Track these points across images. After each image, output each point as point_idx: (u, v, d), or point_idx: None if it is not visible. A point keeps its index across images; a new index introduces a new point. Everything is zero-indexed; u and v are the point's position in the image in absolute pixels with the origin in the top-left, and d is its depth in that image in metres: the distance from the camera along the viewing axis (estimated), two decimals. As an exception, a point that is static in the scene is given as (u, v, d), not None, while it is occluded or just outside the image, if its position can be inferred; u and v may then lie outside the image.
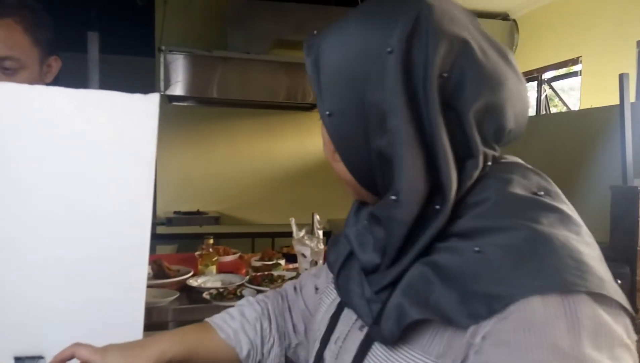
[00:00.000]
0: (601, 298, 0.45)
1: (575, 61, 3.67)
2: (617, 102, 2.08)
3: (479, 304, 0.45)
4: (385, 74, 0.50)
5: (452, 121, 0.51)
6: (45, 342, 0.83)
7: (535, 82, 4.16)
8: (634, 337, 0.48)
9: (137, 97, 0.82)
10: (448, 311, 0.46)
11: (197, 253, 2.01)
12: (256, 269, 1.96)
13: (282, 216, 2.67)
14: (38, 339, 0.83)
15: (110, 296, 0.85)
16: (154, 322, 1.53)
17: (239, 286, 1.71)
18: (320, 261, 1.79)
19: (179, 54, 3.56)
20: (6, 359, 0.82)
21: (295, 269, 1.97)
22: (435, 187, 0.51)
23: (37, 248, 0.82)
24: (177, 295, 1.62)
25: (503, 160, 0.57)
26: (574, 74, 3.80)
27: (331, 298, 0.69)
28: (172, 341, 0.71)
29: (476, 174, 0.52)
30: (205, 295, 1.62)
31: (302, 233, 1.84)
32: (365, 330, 0.57)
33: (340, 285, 0.63)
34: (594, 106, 3.03)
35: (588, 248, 0.48)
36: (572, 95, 4.11)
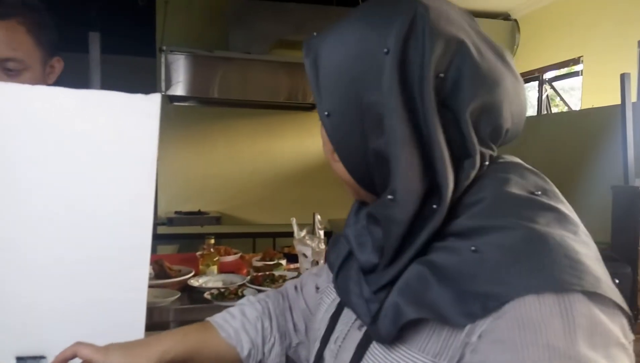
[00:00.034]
0: (597, 298, 0.45)
1: (576, 61, 3.67)
2: (619, 102, 2.08)
3: (475, 303, 0.45)
4: (382, 75, 0.50)
5: (449, 121, 0.51)
6: (46, 342, 0.83)
7: (537, 82, 4.15)
8: (631, 336, 0.48)
9: (139, 97, 0.82)
10: (444, 310, 0.47)
11: (198, 253, 2.01)
12: (257, 269, 1.96)
13: (283, 216, 2.67)
14: (40, 339, 0.83)
15: (112, 296, 0.85)
16: (155, 322, 1.53)
17: (240, 286, 1.71)
18: (322, 261, 1.79)
19: (180, 54, 3.56)
20: (8, 359, 0.82)
21: (296, 269, 1.97)
22: (432, 187, 0.51)
23: (39, 248, 0.83)
24: (179, 295, 1.62)
25: (501, 160, 0.58)
26: (575, 74, 3.80)
27: (331, 297, 0.69)
28: (173, 340, 0.71)
29: (473, 173, 0.52)
30: (207, 295, 1.62)
31: (303, 233, 1.84)
32: (364, 329, 0.57)
33: (339, 284, 0.64)
34: (595, 105, 3.02)
35: (585, 248, 0.48)
36: (573, 95, 4.11)
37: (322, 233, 1.87)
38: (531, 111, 4.44)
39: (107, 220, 0.84)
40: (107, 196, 0.83)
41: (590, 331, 0.43)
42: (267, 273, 1.84)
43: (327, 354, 0.64)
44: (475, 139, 0.51)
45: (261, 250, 2.38)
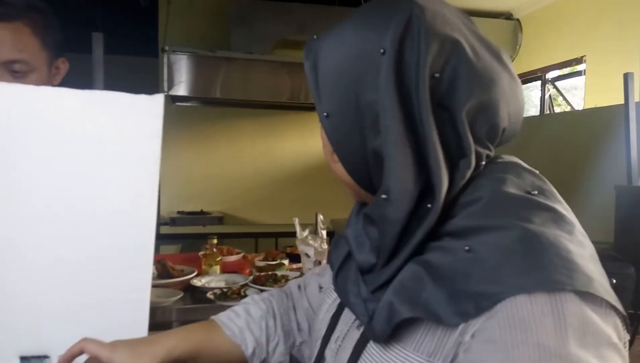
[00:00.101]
0: (589, 297, 0.45)
1: (579, 61, 3.66)
2: (622, 101, 2.08)
3: (468, 303, 0.45)
4: (379, 75, 0.51)
5: (445, 120, 0.51)
6: (50, 341, 0.83)
7: (539, 82, 4.14)
8: (626, 336, 0.48)
9: (142, 97, 0.83)
10: (438, 309, 0.47)
11: (201, 253, 2.01)
12: (260, 269, 1.96)
13: (285, 216, 2.67)
14: (43, 339, 0.83)
15: (115, 296, 0.86)
16: (158, 322, 1.53)
17: (242, 286, 1.71)
18: (324, 261, 1.79)
19: (183, 55, 3.57)
20: (12, 359, 0.82)
21: (298, 269, 1.97)
22: (427, 186, 0.51)
23: (42, 248, 0.83)
24: (181, 294, 1.62)
25: (500, 160, 0.58)
26: (578, 73, 3.79)
27: (332, 297, 0.70)
28: (179, 338, 0.72)
29: (469, 173, 0.52)
30: (209, 295, 1.62)
31: (306, 233, 1.85)
32: (363, 329, 0.57)
33: (339, 284, 0.64)
34: (598, 105, 3.02)
35: (579, 247, 0.48)
36: (575, 94, 4.10)
37: (324, 233, 1.87)
38: (534, 110, 4.43)
39: (111, 220, 0.84)
40: (111, 196, 0.84)
41: (581, 331, 0.43)
42: (270, 273, 1.84)
43: (328, 353, 0.65)
44: (470, 139, 0.51)
45: (263, 249, 2.38)
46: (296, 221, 1.89)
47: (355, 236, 0.59)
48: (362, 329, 0.58)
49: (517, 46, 4.30)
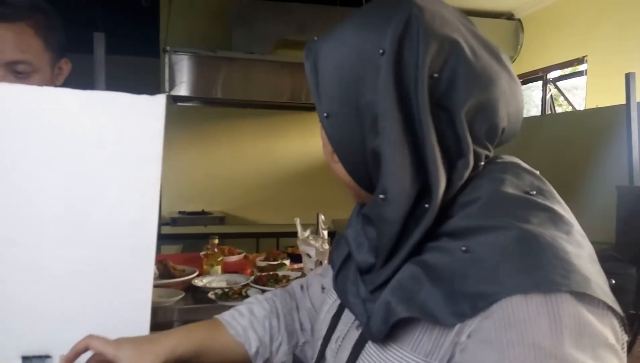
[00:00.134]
0: (586, 298, 0.45)
1: (580, 61, 3.65)
2: (623, 101, 2.08)
3: (465, 303, 0.46)
4: (378, 75, 0.51)
5: (443, 121, 0.51)
6: (52, 341, 0.83)
7: (541, 82, 4.14)
8: (623, 337, 0.48)
9: (144, 98, 0.83)
10: (434, 309, 0.47)
11: (202, 253, 2.02)
12: (261, 269, 1.96)
13: (287, 216, 2.67)
14: (45, 339, 0.83)
15: (117, 296, 0.86)
16: (160, 322, 1.53)
17: (244, 286, 1.71)
18: (325, 261, 1.79)
19: (184, 55, 3.57)
20: (14, 359, 0.82)
21: (300, 269, 1.97)
22: (424, 187, 0.51)
23: (44, 248, 0.83)
24: (183, 295, 1.62)
25: (499, 160, 0.58)
26: (579, 73, 3.78)
27: (333, 298, 0.70)
28: (183, 336, 0.72)
29: (467, 173, 0.52)
30: (211, 295, 1.62)
31: (307, 233, 1.85)
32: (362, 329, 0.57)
33: (338, 285, 0.64)
34: (600, 105, 3.01)
35: (577, 248, 0.48)
36: (576, 94, 4.09)
37: (325, 233, 1.87)
38: (535, 110, 4.43)
39: (112, 221, 0.84)
40: (112, 197, 0.84)
41: (577, 331, 0.43)
42: (271, 273, 1.85)
43: (329, 353, 0.65)
44: (469, 139, 0.51)
45: (264, 250, 2.38)
46: (297, 221, 1.89)
47: (354, 237, 0.60)
48: (361, 329, 0.58)
49: (519, 46, 4.30)
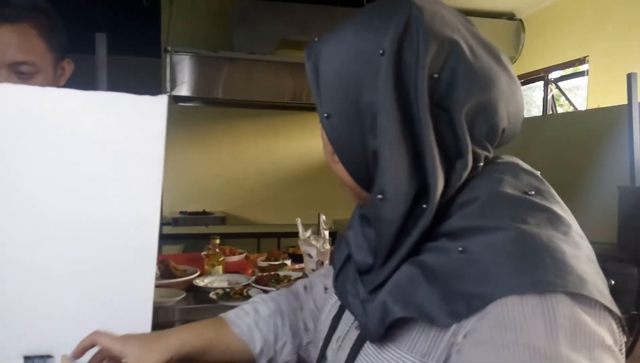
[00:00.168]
0: (582, 299, 0.45)
1: (582, 61, 3.65)
2: (625, 102, 2.07)
3: (460, 303, 0.46)
4: (377, 76, 0.51)
5: (443, 121, 0.51)
6: (53, 341, 0.83)
7: (542, 82, 4.14)
8: (622, 338, 0.48)
9: (146, 98, 0.83)
10: (430, 310, 0.47)
11: (203, 253, 2.02)
12: (262, 269, 1.96)
13: (288, 217, 2.67)
14: (47, 339, 0.84)
15: (119, 296, 0.86)
16: (161, 322, 1.53)
17: (245, 286, 1.71)
18: (326, 262, 1.79)
19: (185, 55, 3.58)
20: (16, 358, 0.82)
21: (301, 269, 1.97)
22: (423, 187, 0.51)
23: (46, 248, 0.83)
24: (184, 295, 1.63)
25: (499, 160, 0.58)
26: (581, 73, 3.78)
27: (335, 298, 0.70)
28: (189, 334, 0.73)
29: (465, 174, 0.52)
30: (212, 295, 1.62)
31: (308, 233, 1.85)
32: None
33: (338, 285, 0.65)
34: (601, 106, 3.01)
35: (574, 248, 0.48)
36: (578, 95, 4.09)
37: (327, 233, 1.87)
38: (536, 111, 4.43)
39: (115, 221, 0.84)
40: (114, 197, 0.84)
41: (572, 332, 0.43)
42: (272, 273, 1.85)
43: (329, 353, 0.66)
44: (468, 140, 0.51)
45: (265, 250, 2.38)
46: (299, 221, 1.89)
47: (354, 237, 0.60)
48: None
49: (520, 46, 4.29)
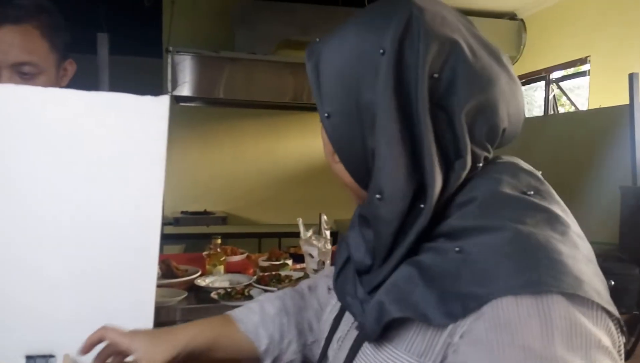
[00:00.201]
0: (578, 300, 0.44)
1: (583, 61, 3.64)
2: (626, 102, 2.07)
3: (456, 304, 0.46)
4: (377, 75, 0.51)
5: (442, 121, 0.51)
6: (55, 341, 0.84)
7: (543, 82, 4.13)
8: (620, 340, 0.48)
9: (148, 99, 0.83)
10: (427, 310, 0.47)
11: (205, 253, 2.02)
12: (264, 269, 1.96)
13: (289, 217, 2.67)
14: (49, 338, 0.84)
15: (121, 296, 0.86)
16: (163, 322, 1.53)
17: (246, 286, 1.71)
18: (328, 261, 1.79)
19: (186, 55, 3.58)
20: (18, 358, 0.83)
21: (302, 269, 1.97)
22: (421, 187, 0.51)
23: (48, 248, 0.83)
24: (185, 294, 1.63)
25: (499, 160, 0.58)
26: (582, 73, 3.78)
27: (336, 298, 0.70)
28: (197, 331, 0.73)
29: (464, 174, 0.52)
30: (213, 295, 1.62)
31: (310, 233, 1.85)
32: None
33: (338, 286, 0.65)
34: (603, 105, 3.01)
35: (572, 249, 0.48)
36: (579, 95, 4.08)
37: (328, 233, 1.87)
38: (538, 111, 4.42)
39: (117, 221, 0.84)
40: (116, 197, 0.84)
41: (568, 333, 0.43)
42: (274, 273, 1.85)
43: (331, 353, 0.66)
44: (467, 140, 0.51)
45: (266, 250, 2.38)
46: (300, 221, 1.89)
47: (353, 238, 0.60)
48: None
49: (521, 46, 4.29)
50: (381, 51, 0.51)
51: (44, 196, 0.82)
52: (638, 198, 1.90)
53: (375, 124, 0.51)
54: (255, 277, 1.81)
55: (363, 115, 0.53)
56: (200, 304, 1.63)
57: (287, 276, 1.80)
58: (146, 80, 3.04)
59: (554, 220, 0.50)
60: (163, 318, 1.54)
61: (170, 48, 3.58)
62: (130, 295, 0.87)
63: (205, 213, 4.25)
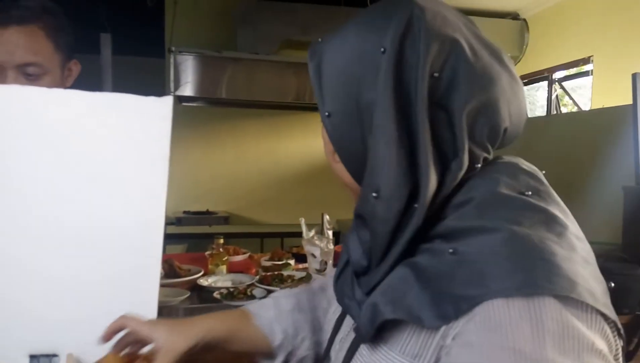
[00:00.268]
0: (572, 302, 0.44)
1: (586, 61, 3.64)
2: (629, 102, 2.07)
3: (449, 305, 0.46)
4: (378, 74, 0.51)
5: (442, 121, 0.51)
6: (59, 340, 0.84)
7: (546, 82, 4.13)
8: (617, 343, 0.47)
9: (151, 99, 0.83)
10: (420, 311, 0.47)
11: (207, 252, 2.02)
12: (266, 269, 1.96)
13: (291, 216, 2.67)
14: (52, 338, 0.84)
15: (124, 296, 0.86)
16: (165, 321, 1.54)
17: (249, 285, 1.71)
18: (330, 261, 1.79)
19: (189, 55, 3.59)
20: (21, 357, 0.83)
21: (305, 269, 1.97)
22: (417, 186, 0.51)
23: (52, 248, 0.83)
24: (188, 294, 1.63)
25: (500, 161, 0.58)
26: (585, 73, 3.77)
27: None
28: (215, 322, 0.73)
29: (460, 174, 0.52)
30: (216, 295, 1.63)
31: (312, 233, 1.85)
32: None
33: (338, 287, 0.65)
34: (606, 105, 3.00)
35: (568, 250, 0.48)
36: (582, 94, 4.07)
37: (330, 233, 1.87)
38: (540, 111, 4.41)
39: (120, 222, 0.85)
40: (120, 198, 0.84)
41: (560, 335, 0.42)
42: (276, 273, 1.85)
43: (332, 354, 0.66)
44: (465, 140, 0.51)
45: (269, 249, 2.38)
46: (302, 221, 1.90)
47: (351, 240, 0.60)
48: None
49: (524, 46, 4.28)
50: (382, 50, 0.51)
51: (48, 197, 0.82)
52: (641, 198, 1.89)
53: (374, 123, 0.51)
54: (257, 277, 1.81)
55: (363, 115, 0.53)
56: (202, 304, 1.63)
57: (289, 276, 1.80)
58: (148, 80, 3.04)
59: (551, 221, 0.50)
60: (165, 317, 1.55)
61: (173, 48, 3.58)
62: (134, 296, 0.87)
63: (207, 212, 4.25)
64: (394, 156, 0.50)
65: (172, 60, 3.56)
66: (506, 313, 0.43)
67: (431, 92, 0.50)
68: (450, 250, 0.48)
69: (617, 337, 0.47)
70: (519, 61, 4.28)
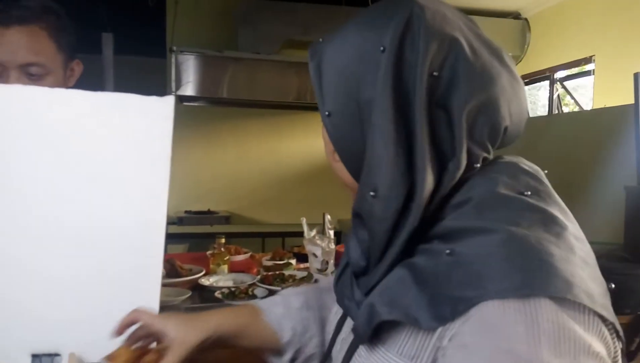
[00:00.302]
0: (568, 304, 0.44)
1: (588, 60, 3.63)
2: (631, 101, 2.06)
3: (446, 306, 0.45)
4: (378, 73, 0.51)
5: (441, 120, 0.51)
6: (61, 340, 0.84)
7: (547, 82, 4.12)
8: (616, 345, 0.47)
9: (153, 99, 0.83)
10: (417, 313, 0.47)
11: (208, 252, 2.02)
12: (267, 268, 1.96)
13: (292, 216, 2.67)
14: (54, 337, 0.84)
15: (126, 295, 0.86)
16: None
17: (250, 285, 1.72)
18: (332, 261, 1.79)
19: (190, 55, 3.59)
20: (23, 357, 0.83)
21: (306, 269, 1.97)
22: (414, 186, 0.51)
23: (53, 248, 0.84)
24: (190, 294, 1.63)
25: (500, 160, 0.58)
26: (587, 73, 3.76)
27: None
28: (227, 317, 0.74)
29: (458, 174, 0.52)
30: (217, 294, 1.63)
31: (313, 232, 1.85)
32: None
33: (338, 288, 0.65)
34: (607, 105, 2.99)
35: (566, 251, 0.47)
36: (583, 94, 4.07)
37: (331, 233, 1.87)
38: (542, 110, 4.41)
39: (121, 222, 0.85)
40: (121, 198, 0.84)
41: (556, 337, 0.42)
42: (277, 272, 1.85)
43: (334, 354, 0.67)
44: (463, 140, 0.51)
45: (270, 249, 2.38)
46: (304, 221, 1.90)
47: (350, 241, 0.60)
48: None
49: (525, 46, 4.28)
50: (382, 48, 0.51)
51: (49, 197, 0.82)
52: (643, 198, 1.89)
53: (372, 121, 0.51)
54: (259, 276, 1.81)
55: (363, 113, 0.53)
56: (204, 303, 1.63)
57: (290, 276, 1.80)
58: (149, 80, 3.05)
59: (549, 221, 0.49)
60: (167, 317, 1.55)
61: (174, 48, 3.59)
62: (135, 296, 0.87)
63: (208, 212, 4.26)
64: (392, 155, 0.50)
65: (173, 60, 3.56)
66: (502, 315, 0.43)
67: (431, 92, 0.50)
68: (448, 251, 0.48)
69: (615, 339, 0.47)
70: (521, 61, 4.28)
